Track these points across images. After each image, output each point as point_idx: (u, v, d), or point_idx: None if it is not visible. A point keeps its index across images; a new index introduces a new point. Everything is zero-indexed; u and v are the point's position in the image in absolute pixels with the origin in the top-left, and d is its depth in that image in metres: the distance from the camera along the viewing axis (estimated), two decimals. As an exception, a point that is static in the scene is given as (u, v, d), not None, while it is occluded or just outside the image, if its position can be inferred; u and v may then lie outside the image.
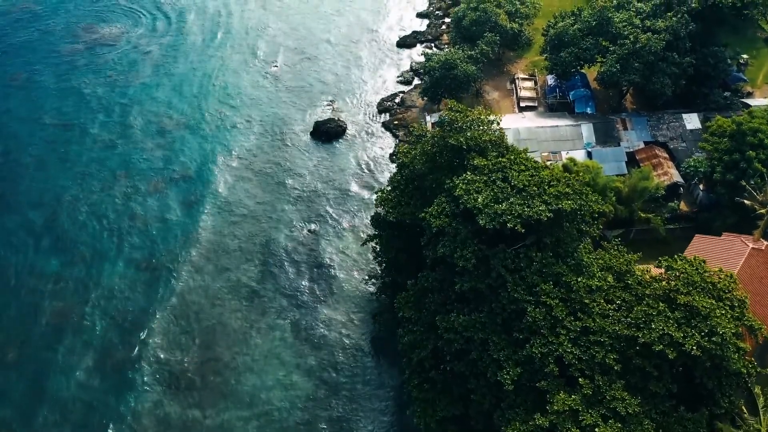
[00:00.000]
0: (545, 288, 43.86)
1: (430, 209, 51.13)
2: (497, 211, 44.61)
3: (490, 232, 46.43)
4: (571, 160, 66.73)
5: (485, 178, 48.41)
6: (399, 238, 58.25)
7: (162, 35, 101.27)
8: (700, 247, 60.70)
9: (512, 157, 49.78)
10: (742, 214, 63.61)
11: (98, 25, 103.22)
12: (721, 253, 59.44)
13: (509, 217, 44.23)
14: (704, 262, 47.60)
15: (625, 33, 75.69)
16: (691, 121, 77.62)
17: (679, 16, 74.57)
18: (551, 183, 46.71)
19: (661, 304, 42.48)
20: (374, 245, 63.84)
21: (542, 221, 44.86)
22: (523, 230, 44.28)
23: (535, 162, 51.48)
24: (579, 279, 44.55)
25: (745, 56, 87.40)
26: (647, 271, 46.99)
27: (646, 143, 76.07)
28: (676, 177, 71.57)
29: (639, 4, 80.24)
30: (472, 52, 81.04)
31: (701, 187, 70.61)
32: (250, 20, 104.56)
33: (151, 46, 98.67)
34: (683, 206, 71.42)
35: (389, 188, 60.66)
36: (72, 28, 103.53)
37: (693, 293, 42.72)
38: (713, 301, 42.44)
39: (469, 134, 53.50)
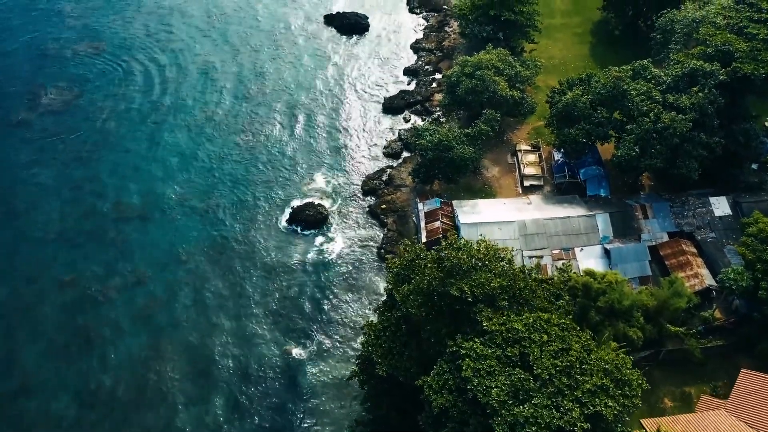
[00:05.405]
0: None
1: (429, 378, 41.42)
2: (518, 418, 34.65)
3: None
4: (591, 273, 56.76)
5: (498, 352, 38.48)
6: (390, 394, 48.21)
7: (119, 100, 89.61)
8: (748, 387, 51.06)
9: (530, 319, 39.77)
10: (793, 338, 54.44)
11: (50, 86, 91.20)
12: (775, 397, 50.13)
13: (534, 429, 34.24)
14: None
15: (644, 109, 66.12)
16: (720, 206, 68.16)
17: (705, 90, 64.98)
18: (584, 368, 36.71)
19: None
20: (361, 386, 53.72)
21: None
22: (553, 447, 34.47)
23: (562, 315, 41.57)
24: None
25: (771, 120, 78.20)
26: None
27: (669, 234, 66.56)
28: (708, 279, 62.05)
29: (656, 70, 70.60)
30: (470, 131, 71.10)
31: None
32: (218, 80, 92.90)
33: (107, 113, 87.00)
34: (717, 313, 61.89)
35: (378, 325, 50.34)
36: (21, 88, 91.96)
37: None
38: None
39: (474, 278, 43.50)
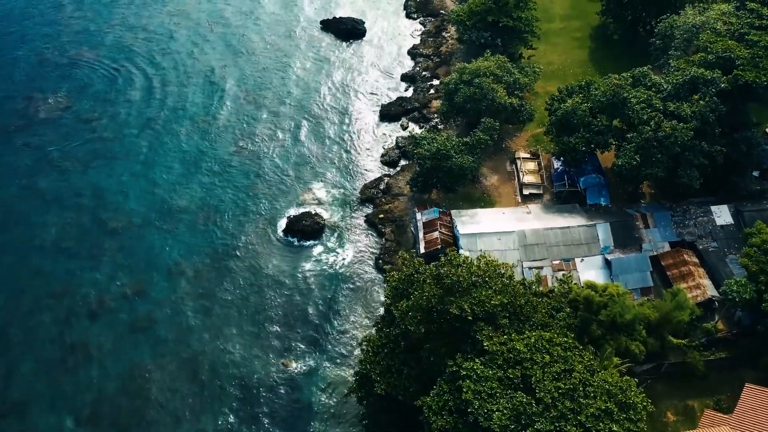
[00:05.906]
0: None
1: (429, 399, 40.67)
2: (520, 444, 33.91)
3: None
4: (592, 285, 55.97)
5: (500, 374, 37.70)
6: (389, 412, 47.41)
7: (116, 107, 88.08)
8: (753, 403, 50.31)
9: (531, 339, 38.99)
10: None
11: (40, 94, 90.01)
12: (780, 413, 49.38)
13: (537, 455, 33.55)
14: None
15: (645, 117, 65.35)
16: (721, 215, 67.39)
17: (707, 98, 64.25)
18: (587, 390, 35.94)
19: None
20: (359, 403, 52.92)
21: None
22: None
23: (564, 333, 40.81)
24: None
25: (772, 126, 77.36)
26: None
27: (671, 244, 65.79)
28: (711, 290, 61.26)
29: (656, 77, 69.84)
30: (468, 139, 70.32)
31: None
32: (214, 88, 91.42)
33: (101, 124, 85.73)
34: (720, 325, 61.14)
35: (377, 341, 49.51)
36: (17, 95, 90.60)
37: None
38: None
39: (474, 295, 42.71)
